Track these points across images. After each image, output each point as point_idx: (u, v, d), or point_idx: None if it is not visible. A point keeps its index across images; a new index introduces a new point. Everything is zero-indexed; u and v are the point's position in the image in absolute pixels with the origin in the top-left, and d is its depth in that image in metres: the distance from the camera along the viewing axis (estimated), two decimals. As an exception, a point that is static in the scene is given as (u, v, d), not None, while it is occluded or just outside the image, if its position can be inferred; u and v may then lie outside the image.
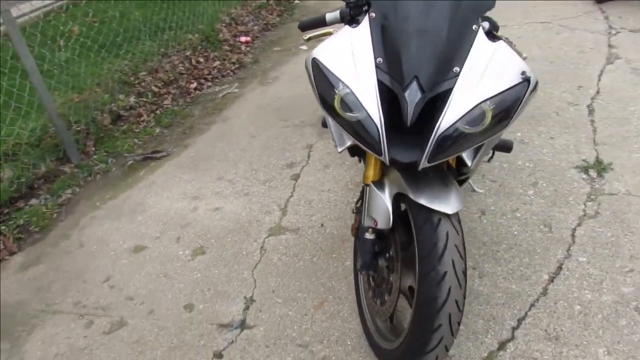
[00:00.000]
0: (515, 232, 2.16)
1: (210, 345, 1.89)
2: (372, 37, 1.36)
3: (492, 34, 1.46)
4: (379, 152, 1.31)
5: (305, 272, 2.14)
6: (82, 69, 3.64)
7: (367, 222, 1.53)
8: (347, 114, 1.33)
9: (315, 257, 2.21)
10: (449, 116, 1.26)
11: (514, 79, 1.29)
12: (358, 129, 1.33)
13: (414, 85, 1.27)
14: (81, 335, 2.02)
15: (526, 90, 1.30)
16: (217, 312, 2.02)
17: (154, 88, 3.76)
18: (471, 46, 1.30)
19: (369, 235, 1.53)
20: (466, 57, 1.29)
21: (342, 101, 1.34)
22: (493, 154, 1.90)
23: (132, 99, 3.60)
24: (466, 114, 1.26)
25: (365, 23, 1.39)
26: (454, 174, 1.55)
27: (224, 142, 3.21)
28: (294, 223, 2.43)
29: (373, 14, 1.38)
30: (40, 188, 2.90)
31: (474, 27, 1.32)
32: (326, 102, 1.38)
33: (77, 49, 3.69)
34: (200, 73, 4.09)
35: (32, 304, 2.21)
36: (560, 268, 1.97)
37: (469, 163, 1.38)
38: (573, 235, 2.10)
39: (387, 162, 1.32)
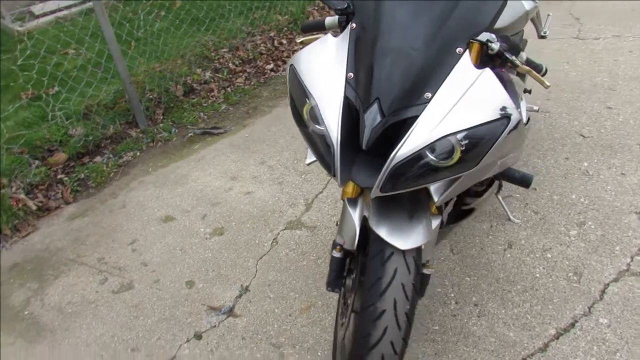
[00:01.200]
0: (537, 275, 1.94)
1: (195, 324, 1.96)
2: (348, 48, 1.27)
3: (505, 57, 1.30)
4: (331, 171, 1.24)
5: (305, 273, 2.12)
6: (172, 40, 3.86)
7: (337, 240, 1.47)
8: (314, 126, 1.28)
9: (320, 260, 2.17)
10: (408, 146, 1.14)
11: (491, 113, 1.14)
12: (318, 144, 1.27)
13: (375, 107, 1.17)
14: (94, 290, 2.19)
15: (504, 128, 1.14)
16: (212, 294, 2.09)
17: (231, 65, 3.89)
18: (450, 71, 1.16)
19: (336, 253, 1.47)
20: (442, 82, 1.16)
21: (311, 113, 1.28)
22: (500, 185, 1.70)
23: (208, 74, 3.76)
24: (428, 145, 1.14)
25: (345, 33, 1.31)
26: (425, 205, 1.41)
27: (279, 127, 3.24)
28: (313, 220, 2.40)
29: (354, 24, 1.29)
30: (106, 147, 3.17)
31: (458, 50, 1.18)
32: (296, 111, 1.33)
33: (174, 20, 3.93)
34: (280, 55, 4.14)
35: (67, 253, 2.44)
36: (572, 325, 1.74)
37: (435, 198, 1.26)
38: (603, 292, 1.84)
39: (339, 184, 1.24)
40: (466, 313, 1.84)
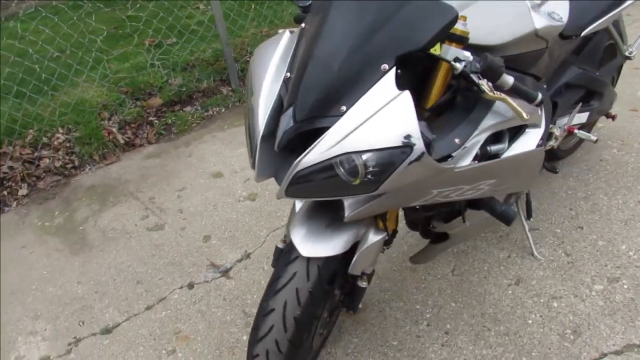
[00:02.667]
0: (530, 321, 1.75)
1: (193, 275, 2.16)
2: (294, 48, 1.26)
3: (470, 80, 1.18)
4: (252, 166, 1.27)
5: (304, 254, 2.17)
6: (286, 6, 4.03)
7: (285, 231, 1.51)
8: (248, 120, 1.30)
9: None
10: (313, 155, 1.12)
11: (394, 139, 1.06)
12: (248, 137, 1.30)
13: (290, 112, 1.16)
14: (134, 223, 2.52)
15: (405, 158, 1.06)
16: (219, 252, 2.26)
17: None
18: (370, 87, 1.10)
19: (279, 244, 1.51)
20: (359, 98, 1.10)
21: (249, 106, 1.31)
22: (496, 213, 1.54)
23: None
24: (329, 159, 1.10)
25: (298, 31, 1.29)
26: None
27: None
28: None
29: (304, 24, 1.26)
30: (197, 100, 3.48)
31: (383, 66, 1.10)
32: (248, 100, 1.37)
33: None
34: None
35: (130, 186, 2.81)
36: (537, 386, 1.56)
37: (346, 212, 1.21)
38: (595, 360, 1.60)
39: (255, 179, 1.27)
40: (432, 338, 1.74)
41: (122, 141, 3.11)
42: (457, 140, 1.18)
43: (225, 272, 2.15)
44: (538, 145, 1.54)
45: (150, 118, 3.29)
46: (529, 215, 2.02)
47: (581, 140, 2.51)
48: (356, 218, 1.22)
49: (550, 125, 1.87)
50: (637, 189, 2.25)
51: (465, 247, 2.08)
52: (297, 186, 1.16)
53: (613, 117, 2.31)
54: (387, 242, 1.51)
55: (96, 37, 3.30)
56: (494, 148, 1.40)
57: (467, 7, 1.36)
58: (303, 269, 1.26)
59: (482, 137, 1.31)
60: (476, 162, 1.30)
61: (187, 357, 1.80)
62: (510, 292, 1.87)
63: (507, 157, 1.40)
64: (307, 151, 1.12)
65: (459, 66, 1.20)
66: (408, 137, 1.05)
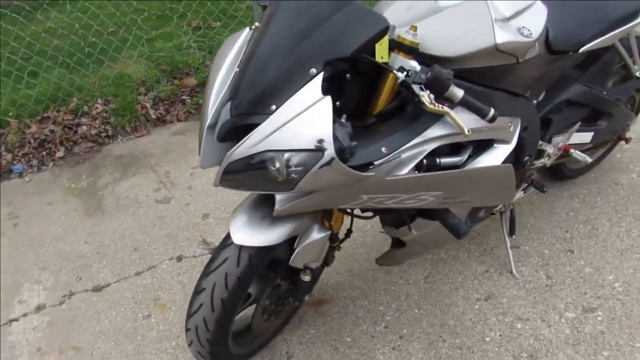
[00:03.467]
0: (488, 339, 1.73)
1: (184, 249, 2.29)
2: (248, 43, 1.31)
3: (411, 91, 1.19)
4: (199, 153, 1.35)
5: (289, 243, 2.24)
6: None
7: None
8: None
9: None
10: (241, 150, 1.18)
11: (308, 142, 1.10)
12: (200, 126, 1.37)
13: (229, 105, 1.22)
14: (146, 194, 2.69)
15: (317, 161, 1.09)
16: (213, 231, 2.38)
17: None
18: (298, 90, 1.13)
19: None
20: (288, 99, 1.14)
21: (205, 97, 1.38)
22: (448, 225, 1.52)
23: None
24: (253, 154, 1.16)
25: (255, 28, 1.33)
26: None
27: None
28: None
29: (257, 23, 1.31)
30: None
31: (312, 70, 1.13)
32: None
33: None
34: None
35: (152, 159, 2.99)
36: (474, 403, 1.55)
37: (276, 207, 1.26)
38: (541, 388, 1.56)
39: (200, 165, 1.34)
40: (385, 340, 1.77)
41: (153, 116, 3.30)
42: (383, 149, 1.19)
43: (213, 250, 2.26)
44: (505, 162, 1.51)
45: (184, 97, 3.46)
46: (511, 232, 1.97)
47: (599, 160, 2.39)
48: (286, 213, 1.27)
49: (541, 143, 1.80)
50: (645, 219, 2.12)
51: (446, 256, 2.06)
52: (229, 177, 1.23)
53: (627, 140, 2.17)
54: (334, 240, 1.54)
55: (137, 17, 3.50)
56: (444, 160, 1.39)
57: (429, 16, 1.35)
58: (234, 255, 1.33)
59: (428, 148, 1.31)
60: (416, 172, 1.31)
61: (159, 323, 1.94)
62: (477, 307, 1.85)
63: (459, 171, 1.39)
64: (237, 145, 1.18)
65: (401, 75, 1.21)
66: (321, 141, 1.08)
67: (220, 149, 1.32)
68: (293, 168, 1.13)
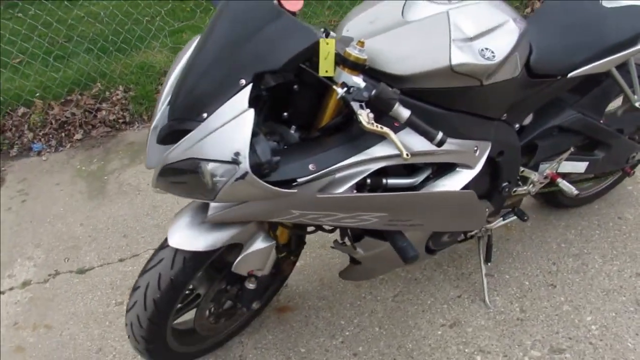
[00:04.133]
0: (443, 368, 1.67)
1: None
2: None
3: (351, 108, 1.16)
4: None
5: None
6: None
7: None
8: None
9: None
10: (172, 154, 1.19)
11: (227, 155, 1.09)
12: None
13: (166, 109, 1.23)
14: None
15: (233, 174, 1.08)
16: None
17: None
18: (227, 100, 1.12)
19: None
20: (218, 107, 1.14)
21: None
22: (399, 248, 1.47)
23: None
24: (180, 161, 1.16)
25: None
26: None
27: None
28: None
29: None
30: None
31: (241, 81, 1.12)
32: None
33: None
34: None
35: (160, 149, 3.06)
36: None
37: (208, 213, 1.26)
38: None
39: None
40: (339, 355, 1.74)
41: (170, 107, 3.38)
42: (311, 167, 1.17)
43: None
44: (467, 187, 1.44)
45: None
46: (487, 259, 1.88)
47: (605, 191, 2.24)
48: (217, 220, 1.27)
49: (523, 169, 1.71)
50: (642, 259, 1.97)
51: (420, 276, 2.00)
52: (163, 179, 1.24)
53: (629, 173, 2.02)
54: (281, 251, 1.52)
55: (161, 9, 3.59)
56: (392, 181, 1.35)
57: (388, 31, 1.31)
58: (170, 257, 1.35)
59: (371, 167, 1.27)
60: (354, 191, 1.28)
61: (129, 311, 1.99)
62: (439, 332, 1.78)
63: (405, 194, 1.34)
64: (171, 149, 1.19)
65: (340, 91, 1.18)
66: (237, 154, 1.08)
67: (162, 150, 1.33)
68: (217, 178, 1.12)
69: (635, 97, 1.75)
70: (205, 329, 1.62)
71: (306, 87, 1.27)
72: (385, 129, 1.17)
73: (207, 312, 1.58)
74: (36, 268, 2.25)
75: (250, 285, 1.51)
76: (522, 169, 1.71)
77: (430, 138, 1.19)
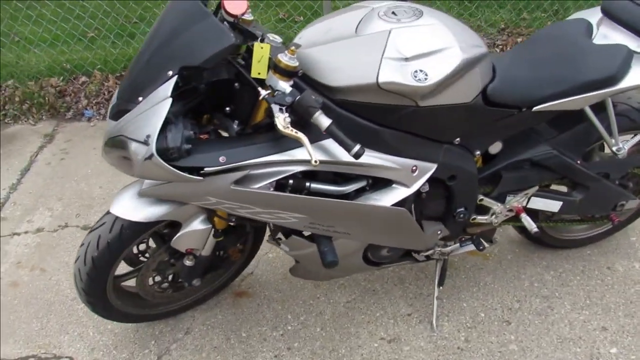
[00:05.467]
0: (366, 378, 1.69)
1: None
2: None
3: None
4: None
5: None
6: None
7: None
8: None
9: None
10: (110, 130, 1.33)
11: (141, 135, 1.21)
12: None
13: (116, 92, 1.38)
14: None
15: (143, 155, 1.20)
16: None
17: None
18: (158, 87, 1.24)
19: None
20: (150, 93, 1.26)
21: None
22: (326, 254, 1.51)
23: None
24: (112, 137, 1.31)
25: None
26: None
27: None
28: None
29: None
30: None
31: (169, 72, 1.23)
32: None
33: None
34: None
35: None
36: None
37: (142, 187, 1.39)
38: None
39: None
40: (273, 347, 1.82)
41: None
42: (221, 159, 1.26)
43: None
44: (400, 205, 1.46)
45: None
46: (440, 283, 1.86)
47: (599, 237, 2.12)
48: (147, 194, 1.40)
49: (482, 197, 1.68)
50: (614, 316, 1.85)
51: (379, 288, 2.02)
52: (108, 152, 1.39)
53: (614, 221, 1.89)
54: (219, 237, 1.61)
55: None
56: (316, 186, 1.40)
57: (335, 42, 1.37)
58: (110, 222, 1.50)
59: (292, 169, 1.34)
60: (271, 189, 1.35)
61: (111, 270, 2.19)
62: (376, 345, 1.80)
63: (323, 200, 1.39)
64: (112, 125, 1.34)
65: (263, 93, 1.26)
66: (148, 136, 1.20)
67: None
68: (136, 156, 1.25)
69: (613, 141, 1.66)
70: (151, 295, 1.76)
71: (245, 87, 1.36)
72: (300, 135, 1.23)
73: (151, 280, 1.72)
74: (52, 218, 2.53)
75: (188, 262, 1.63)
76: (481, 197, 1.68)
77: (347, 149, 1.24)
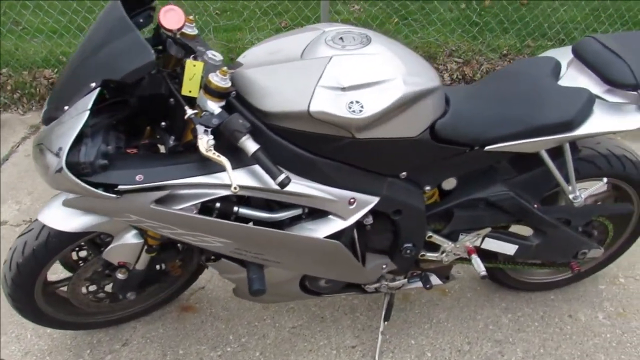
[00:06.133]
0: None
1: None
2: None
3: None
4: None
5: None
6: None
7: None
8: None
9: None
10: (37, 137, 1.30)
11: (55, 147, 1.19)
12: None
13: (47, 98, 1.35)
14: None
15: (54, 167, 1.17)
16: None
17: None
18: (80, 98, 1.21)
19: None
20: (74, 104, 1.23)
21: None
22: None
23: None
24: (36, 145, 1.28)
25: None
26: None
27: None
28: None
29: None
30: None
31: (92, 84, 1.19)
32: None
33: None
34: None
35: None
36: None
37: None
38: None
39: None
40: (208, 368, 1.77)
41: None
42: (138, 177, 1.22)
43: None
44: (336, 237, 1.41)
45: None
46: (386, 317, 1.79)
47: (562, 282, 2.03)
48: (70, 205, 1.35)
49: (430, 234, 1.61)
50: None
51: (328, 316, 1.96)
52: (33, 155, 1.36)
53: (573, 269, 1.80)
54: (152, 252, 1.57)
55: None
56: (244, 211, 1.35)
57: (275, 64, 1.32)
58: (38, 229, 1.47)
59: (218, 192, 1.29)
60: (195, 212, 1.30)
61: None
62: None
63: (246, 227, 1.35)
64: (38, 132, 1.31)
65: (189, 112, 1.22)
66: (60, 149, 1.16)
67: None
68: (50, 166, 1.22)
69: (570, 188, 1.57)
70: (86, 305, 1.72)
71: (179, 103, 1.31)
72: (222, 158, 1.19)
73: (85, 289, 1.69)
74: (18, 212, 2.52)
75: (120, 275, 1.59)
76: (430, 234, 1.61)
77: (272, 177, 1.19)
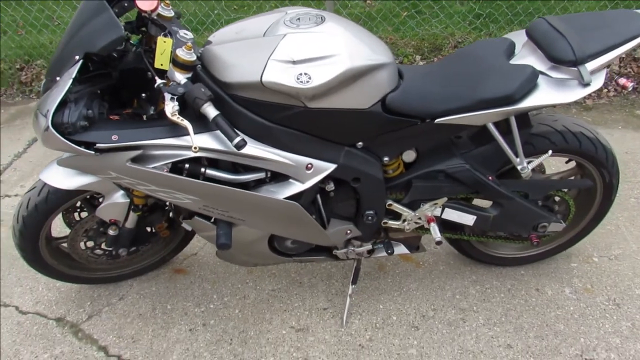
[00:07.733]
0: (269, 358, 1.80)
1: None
2: None
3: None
4: None
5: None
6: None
7: None
8: None
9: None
10: (35, 103, 1.52)
11: (45, 110, 1.38)
12: None
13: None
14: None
15: (43, 126, 1.37)
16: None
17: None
18: (67, 70, 1.41)
19: None
20: (63, 75, 1.43)
21: None
22: None
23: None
24: (35, 111, 1.49)
25: None
26: None
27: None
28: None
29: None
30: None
31: (76, 57, 1.39)
32: None
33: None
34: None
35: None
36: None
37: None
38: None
39: None
40: (190, 322, 1.96)
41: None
42: (113, 137, 1.41)
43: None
44: (289, 198, 1.56)
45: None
46: (353, 281, 1.93)
47: (533, 259, 2.11)
48: (63, 164, 1.55)
49: (390, 202, 1.74)
50: (524, 336, 1.85)
51: (306, 281, 2.11)
52: (33, 122, 1.58)
53: (532, 242, 1.89)
54: (138, 211, 1.76)
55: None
56: (211, 172, 1.53)
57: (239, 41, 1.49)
58: (40, 186, 1.69)
59: (185, 153, 1.47)
60: (165, 170, 1.49)
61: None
62: (284, 332, 1.90)
63: (211, 185, 1.51)
64: (40, 99, 1.52)
65: (158, 81, 1.40)
66: (47, 112, 1.37)
67: None
68: (40, 127, 1.42)
69: (518, 160, 1.67)
70: (85, 259, 1.94)
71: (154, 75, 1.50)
72: (185, 122, 1.37)
73: (83, 245, 1.90)
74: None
75: (111, 232, 1.80)
76: (390, 202, 1.74)
77: (229, 139, 1.36)
